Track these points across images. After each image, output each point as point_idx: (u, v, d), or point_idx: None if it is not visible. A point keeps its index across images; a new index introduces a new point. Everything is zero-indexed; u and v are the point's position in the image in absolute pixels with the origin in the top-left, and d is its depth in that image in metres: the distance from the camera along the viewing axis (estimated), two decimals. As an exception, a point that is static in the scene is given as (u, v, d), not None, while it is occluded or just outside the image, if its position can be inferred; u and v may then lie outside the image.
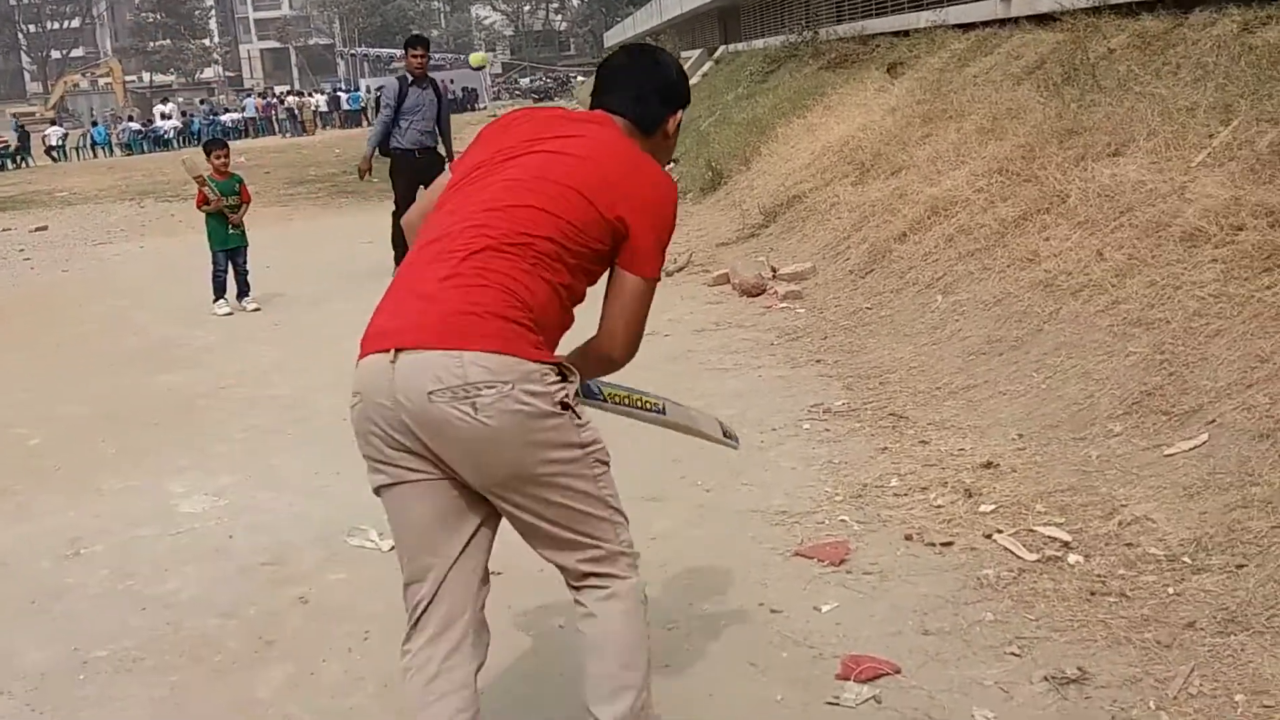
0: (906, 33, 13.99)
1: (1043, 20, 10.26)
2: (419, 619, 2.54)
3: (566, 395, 2.41)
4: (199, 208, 9.43)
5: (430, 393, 2.31)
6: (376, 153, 10.37)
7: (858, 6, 17.73)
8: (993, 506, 4.10)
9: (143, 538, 4.61)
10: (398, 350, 2.35)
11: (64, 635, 3.81)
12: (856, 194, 9.10)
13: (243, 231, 9.47)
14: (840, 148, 10.56)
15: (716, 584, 3.82)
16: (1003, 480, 4.29)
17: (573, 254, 2.46)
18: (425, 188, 3.32)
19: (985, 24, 11.57)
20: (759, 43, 23.87)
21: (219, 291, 9.29)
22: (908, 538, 3.97)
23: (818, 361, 6.29)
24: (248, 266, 9.49)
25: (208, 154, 9.60)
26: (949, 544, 3.89)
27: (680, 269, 9.36)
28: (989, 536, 3.90)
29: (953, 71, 10.64)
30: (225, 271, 9.34)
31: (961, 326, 6.01)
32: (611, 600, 2.58)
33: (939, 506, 4.17)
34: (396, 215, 10.02)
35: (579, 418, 2.47)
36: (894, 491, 4.36)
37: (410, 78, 10.24)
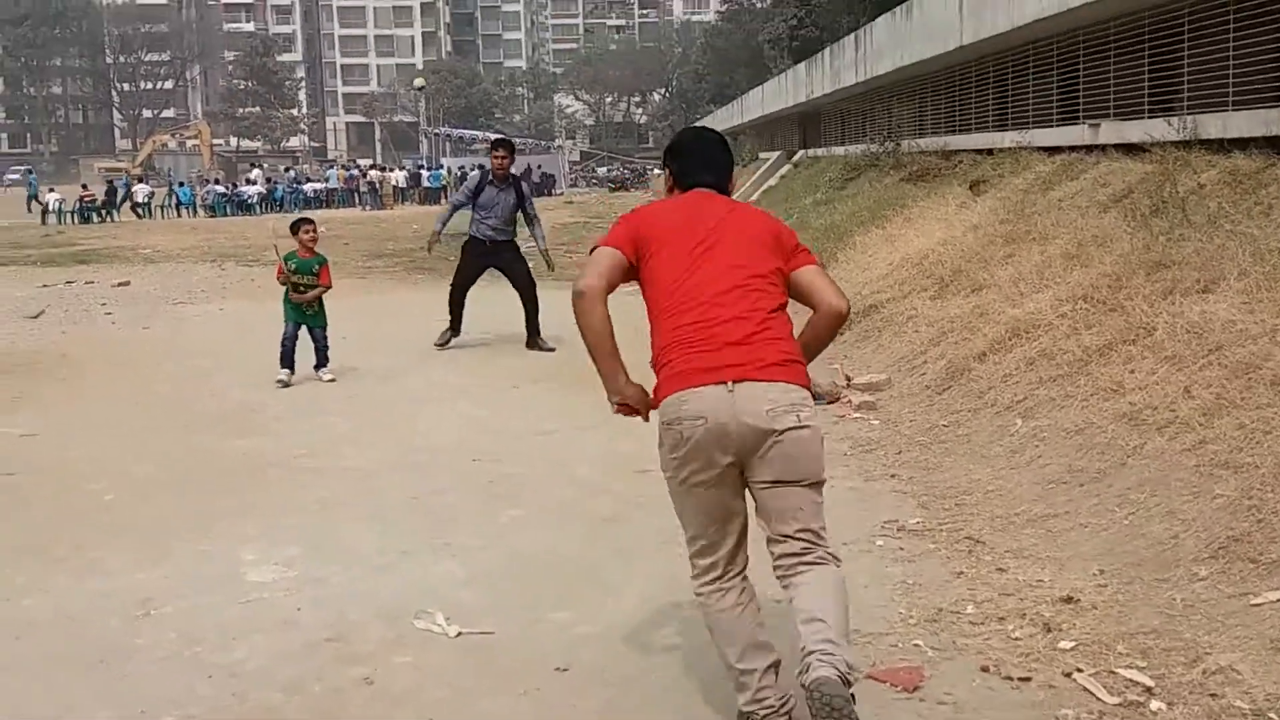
0: (990, 151, 14.07)
1: (1131, 150, 10.28)
2: (725, 568, 3.57)
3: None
4: (279, 279, 9.50)
5: (767, 410, 3.34)
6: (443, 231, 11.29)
7: (940, 122, 17.88)
8: (1072, 643, 4.00)
9: (211, 603, 4.63)
10: (735, 381, 3.36)
11: (132, 697, 3.82)
12: (935, 308, 9.08)
13: (317, 312, 9.45)
14: (920, 260, 10.57)
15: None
16: (1083, 616, 4.20)
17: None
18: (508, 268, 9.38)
19: (1071, 149, 11.61)
20: (839, 149, 24.09)
21: (284, 361, 9.24)
22: (984, 669, 3.88)
23: (892, 476, 6.23)
24: (326, 339, 9.46)
25: (295, 230, 9.63)
26: (1027, 679, 3.79)
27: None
28: (1068, 675, 3.80)
29: (1037, 193, 10.65)
30: (293, 342, 9.30)
31: (1041, 453, 5.94)
32: (822, 562, 3.51)
33: (1017, 639, 4.08)
34: (453, 287, 11.01)
35: None
36: (970, 619, 4.28)
37: (491, 176, 10.77)
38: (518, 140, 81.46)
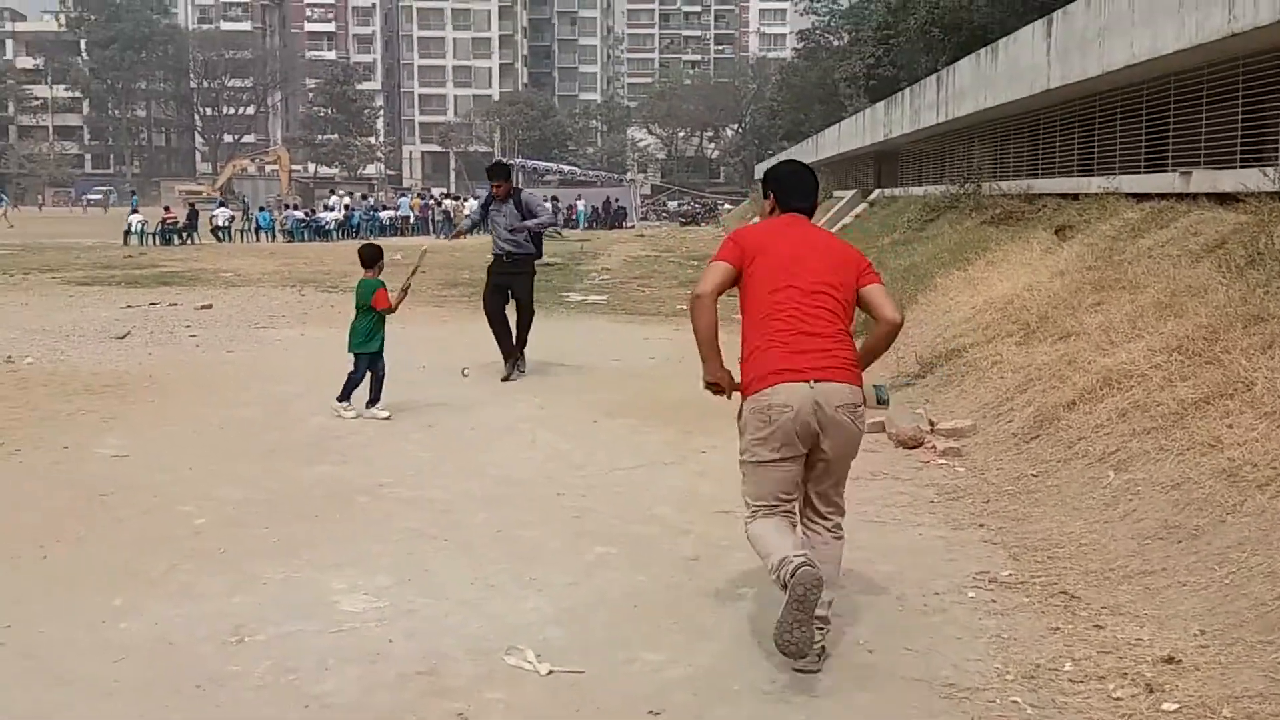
0: (1075, 196, 13.91)
1: (1224, 199, 10.12)
2: (770, 512, 4.45)
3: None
4: (386, 308, 9.30)
5: (838, 406, 4.36)
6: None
7: (1023, 164, 17.73)
8: (1176, 706, 3.91)
9: (304, 631, 4.66)
10: (817, 381, 4.34)
11: (227, 724, 3.85)
12: (1021, 355, 8.97)
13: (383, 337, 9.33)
14: (1004, 305, 10.46)
15: (884, 754, 3.70)
16: (1186, 678, 4.10)
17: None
18: (515, 288, 11.24)
19: (1161, 196, 11.45)
20: (917, 189, 23.97)
21: (346, 394, 9.10)
22: (1085, 729, 3.81)
23: (980, 526, 6.15)
24: (384, 372, 9.27)
25: (372, 262, 9.57)
26: (1130, 741, 3.72)
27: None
28: (1173, 738, 3.72)
29: (1126, 241, 10.51)
30: (363, 377, 9.14)
31: (1136, 507, 5.83)
32: (834, 536, 4.62)
33: (1118, 699, 3.99)
34: (488, 316, 11.50)
35: None
36: (1069, 677, 4.20)
37: (493, 197, 11.55)
38: (591, 173, 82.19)
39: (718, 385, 4.66)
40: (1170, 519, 5.54)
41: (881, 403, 5.12)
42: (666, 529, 6.20)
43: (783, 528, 4.44)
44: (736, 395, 4.64)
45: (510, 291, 11.51)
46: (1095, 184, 13.66)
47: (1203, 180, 10.92)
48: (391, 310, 9.28)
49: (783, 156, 56.66)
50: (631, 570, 5.48)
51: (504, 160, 13.42)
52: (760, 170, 69.53)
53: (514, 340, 11.39)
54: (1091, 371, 7.62)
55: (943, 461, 7.53)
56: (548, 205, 12.06)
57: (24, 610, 4.89)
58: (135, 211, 43.49)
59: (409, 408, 9.37)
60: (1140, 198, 11.94)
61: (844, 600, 4.97)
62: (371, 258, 9.56)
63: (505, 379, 11.03)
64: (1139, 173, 12.95)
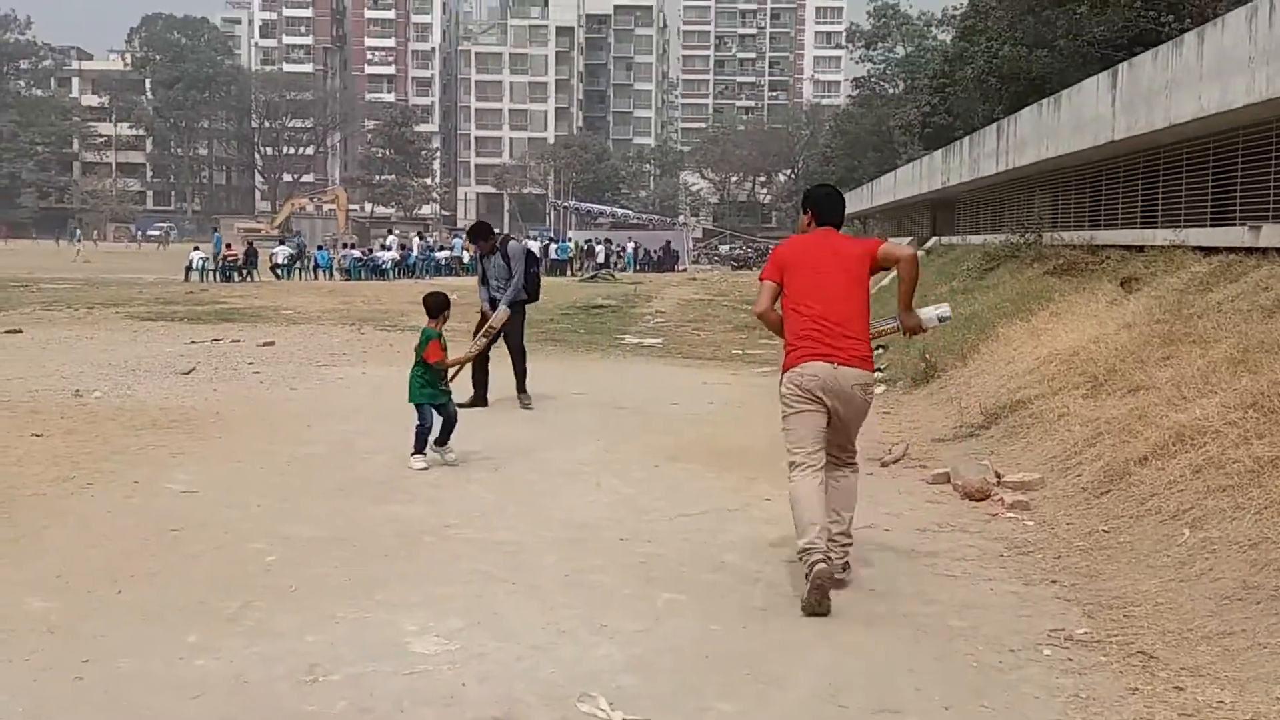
0: (1140, 248, 13.81)
1: (1295, 254, 10.02)
2: (805, 462, 5.97)
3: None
4: (440, 365, 8.98)
5: (853, 385, 5.96)
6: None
7: (1085, 215, 17.64)
8: (1264, 772, 3.84)
9: (378, 672, 4.67)
10: (838, 364, 5.93)
11: (307, 765, 3.87)
12: (1089, 408, 8.89)
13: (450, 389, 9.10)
14: (1069, 357, 10.38)
15: (966, 813, 3.65)
16: (1272, 743, 4.03)
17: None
18: (506, 338, 12.02)
19: (1230, 250, 11.34)
20: (975, 238, 23.88)
21: (420, 445, 8.81)
22: (1171, 793, 3.74)
23: (1053, 581, 6.07)
24: (455, 416, 9.03)
25: (437, 311, 9.19)
26: (1218, 807, 3.65)
27: (896, 460, 9.25)
28: (1262, 805, 3.65)
29: (1194, 294, 10.42)
30: (429, 424, 8.84)
31: (1212, 566, 5.74)
32: (852, 472, 6.28)
33: (1204, 763, 3.93)
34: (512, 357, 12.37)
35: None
36: (1152, 739, 4.13)
37: (480, 255, 12.61)
38: (644, 216, 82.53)
39: None
40: (1249, 579, 5.46)
41: (943, 320, 7.64)
42: (735, 577, 6.18)
43: (813, 497, 5.86)
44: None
45: (505, 337, 12.08)
46: (1160, 236, 13.56)
47: (1273, 235, 10.81)
48: (441, 367, 8.98)
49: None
50: (702, 618, 5.46)
51: (485, 221, 13.99)
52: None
53: (516, 380, 12.29)
54: (1163, 426, 7.53)
55: (1011, 515, 7.46)
56: (523, 257, 12.51)
57: (101, 645, 4.94)
58: (229, 247, 44.19)
59: (472, 449, 9.40)
60: (1207, 251, 11.84)
61: (919, 656, 4.97)
62: (435, 307, 9.18)
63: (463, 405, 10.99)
64: (1205, 226, 12.85)
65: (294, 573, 6.05)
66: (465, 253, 53.09)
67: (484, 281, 12.54)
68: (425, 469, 8.68)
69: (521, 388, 12.31)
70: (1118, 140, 14.41)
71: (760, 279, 6.37)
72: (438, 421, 8.94)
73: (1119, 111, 14.19)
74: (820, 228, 6.33)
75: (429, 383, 8.89)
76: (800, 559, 5.68)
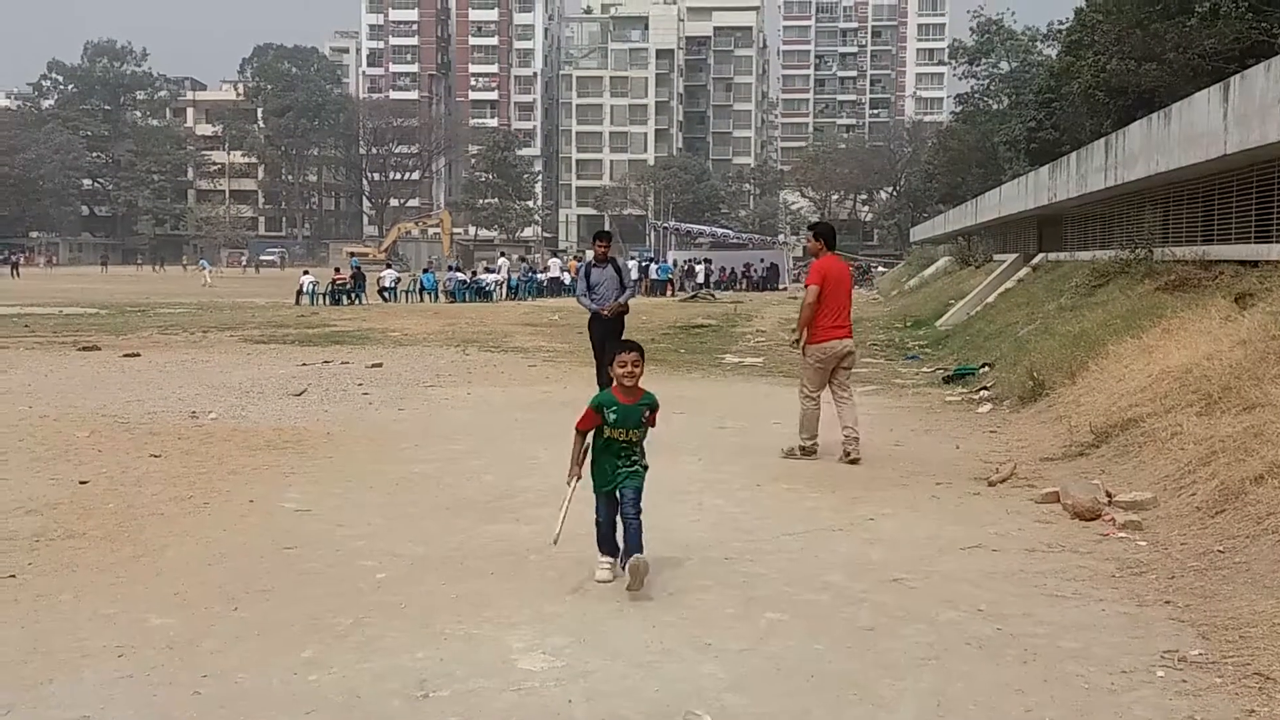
0: (1255, 263, 13.47)
1: None
2: (815, 396, 10.55)
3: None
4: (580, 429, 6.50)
5: (851, 351, 10.75)
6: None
7: (1196, 230, 17.24)
8: (1390, 800, 3.73)
9: (487, 689, 4.75)
10: (846, 339, 10.62)
11: (418, 778, 3.94)
12: (1203, 426, 8.68)
13: (641, 467, 6.50)
14: (1182, 375, 10.14)
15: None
16: (1399, 771, 3.91)
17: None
18: (612, 333, 12.73)
19: (1350, 263, 11.00)
20: (1083, 254, 23.46)
21: (602, 545, 6.49)
22: (1293, 820, 3.65)
23: (1166, 603, 5.94)
24: (640, 514, 6.38)
25: (610, 361, 6.60)
26: (1342, 836, 3.55)
27: (1004, 480, 9.13)
28: (1389, 835, 3.54)
29: (1313, 309, 10.12)
30: (608, 521, 6.51)
31: (1334, 587, 5.58)
32: (852, 396, 10.73)
33: (1326, 790, 3.82)
34: (595, 348, 13.33)
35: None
36: (1271, 764, 4.03)
37: (595, 260, 13.35)
38: (744, 235, 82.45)
39: (798, 340, 10.75)
40: (1374, 602, 5.29)
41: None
42: (839, 597, 6.15)
43: (816, 417, 10.49)
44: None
45: (606, 344, 12.61)
46: (1276, 251, 13.20)
47: (1395, 247, 10.47)
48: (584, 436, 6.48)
49: (939, 219, 56.14)
50: (806, 638, 5.45)
51: (606, 229, 15.35)
52: (916, 233, 68.91)
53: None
54: (1280, 445, 7.33)
55: (1123, 535, 7.32)
56: (634, 273, 13.69)
57: (219, 661, 5.09)
58: (338, 272, 45.28)
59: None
60: (1326, 265, 11.50)
61: (1029, 677, 4.93)
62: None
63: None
64: (1324, 239, 12.48)
65: (404, 590, 6.16)
66: (566, 274, 53.65)
67: (588, 291, 13.26)
68: (609, 580, 6.35)
69: None
70: (1230, 154, 14.04)
71: (810, 284, 10.55)
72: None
73: (1231, 125, 13.85)
74: (830, 253, 10.60)
75: (601, 465, 6.48)
76: (800, 441, 10.45)
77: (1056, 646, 5.32)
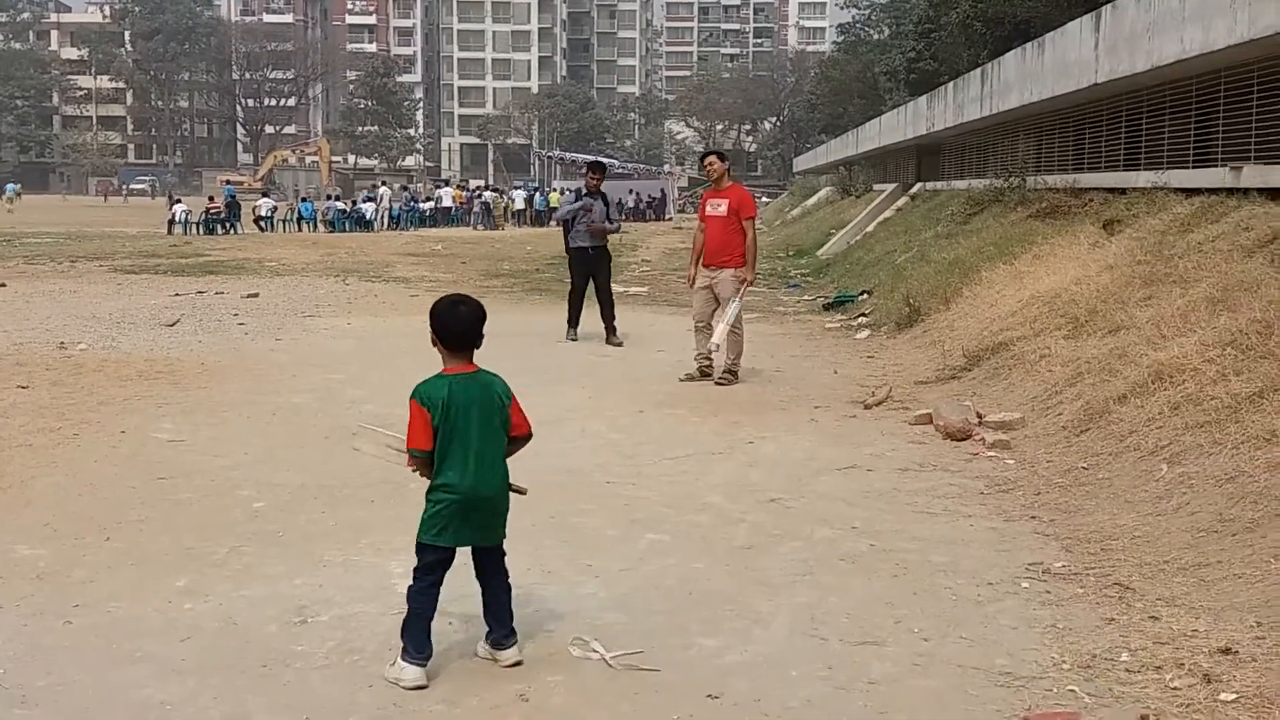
0: (1122, 190, 13.84)
1: (1275, 195, 10.07)
2: (699, 323, 10.84)
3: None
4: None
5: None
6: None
7: (1068, 158, 17.65)
8: (1234, 695, 3.92)
9: (366, 613, 4.74)
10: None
11: (296, 704, 3.94)
12: (1070, 348, 8.95)
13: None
14: (1051, 299, 10.43)
15: (943, 740, 3.73)
16: (1243, 669, 4.11)
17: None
18: (594, 279, 13.46)
19: (1211, 191, 11.38)
20: (960, 183, 23.87)
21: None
22: (1144, 718, 3.82)
23: (1032, 518, 6.15)
24: (508, 592, 4.44)
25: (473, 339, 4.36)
26: (1190, 731, 3.73)
27: (879, 403, 9.32)
28: (1232, 728, 3.73)
29: (1175, 235, 10.46)
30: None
31: (1189, 500, 5.83)
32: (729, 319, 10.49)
33: (1176, 689, 4.01)
34: (571, 294, 13.63)
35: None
36: (1126, 667, 4.21)
37: (585, 191, 13.47)
38: (629, 165, 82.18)
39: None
40: (1225, 512, 5.54)
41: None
42: (718, 517, 6.24)
43: (702, 334, 10.78)
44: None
45: (592, 277, 13.32)
46: (1143, 178, 13.58)
47: (1253, 175, 10.84)
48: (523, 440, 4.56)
49: (821, 149, 56.54)
50: (685, 558, 5.53)
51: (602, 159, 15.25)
52: (799, 164, 69.37)
53: (604, 319, 13.25)
54: (1142, 365, 7.59)
55: (992, 454, 7.54)
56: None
57: (91, 591, 5.00)
58: (212, 200, 43.98)
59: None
60: (1189, 193, 11.87)
61: (900, 591, 5.09)
62: (471, 329, 4.34)
63: (572, 340, 13.35)
64: (1187, 168, 12.86)
65: (281, 519, 6.11)
66: (454, 204, 53.02)
67: (572, 226, 13.36)
68: (420, 688, 4.10)
69: (613, 328, 13.27)
70: (1101, 83, 14.37)
71: (754, 215, 11.00)
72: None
73: (1102, 55, 14.15)
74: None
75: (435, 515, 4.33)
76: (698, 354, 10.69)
77: (926, 561, 5.48)
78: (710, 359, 10.61)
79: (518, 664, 4.25)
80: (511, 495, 4.43)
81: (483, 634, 4.41)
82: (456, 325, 4.30)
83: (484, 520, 4.30)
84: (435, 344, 4.33)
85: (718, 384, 10.36)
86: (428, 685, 4.09)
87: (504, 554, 4.41)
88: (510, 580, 4.39)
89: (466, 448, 4.21)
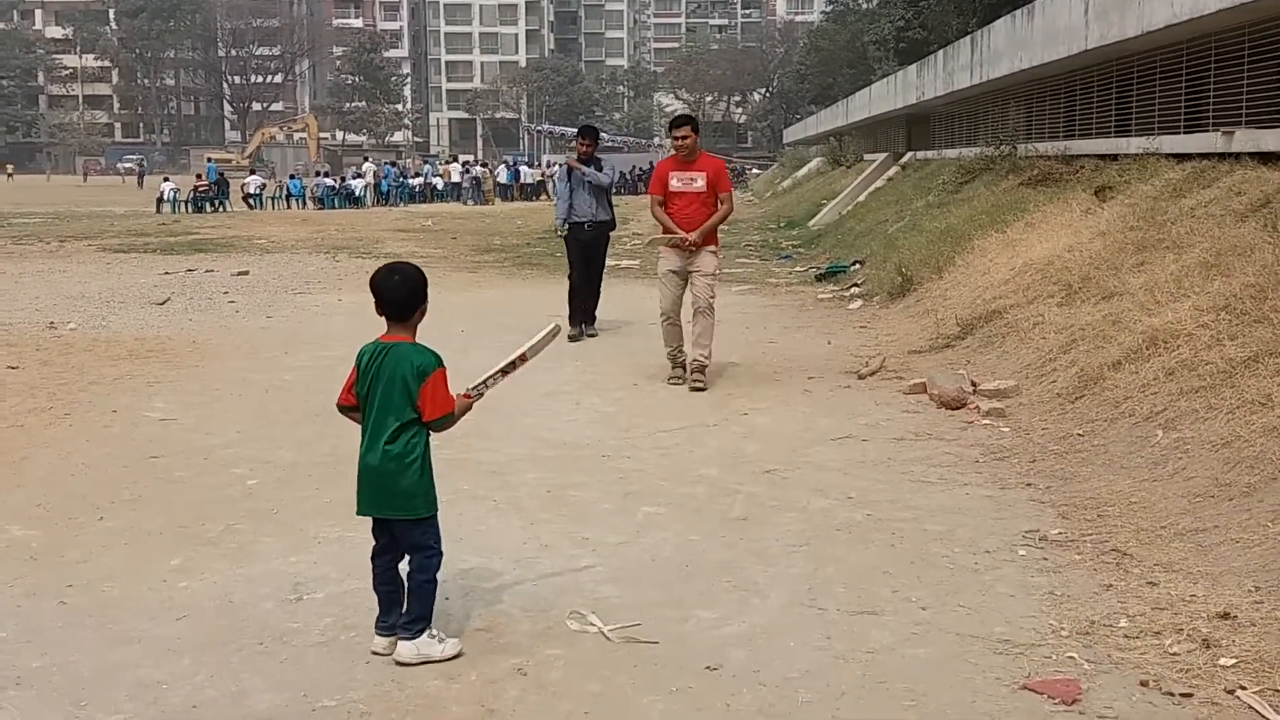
0: (1114, 157, 13.80)
1: (1267, 159, 10.04)
2: (669, 317, 9.18)
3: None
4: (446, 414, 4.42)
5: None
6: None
7: (1060, 125, 17.59)
8: (1233, 660, 3.92)
9: (362, 589, 4.69)
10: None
11: (293, 681, 3.92)
12: (1063, 315, 8.93)
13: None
14: (1044, 266, 10.40)
15: (944, 712, 3.72)
16: (1242, 633, 4.11)
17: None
18: (593, 256, 11.81)
19: (1203, 156, 11.34)
20: (950, 152, 23.81)
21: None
22: (1143, 684, 3.82)
23: (1028, 485, 6.15)
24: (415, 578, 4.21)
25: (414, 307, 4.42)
26: (1188, 695, 3.73)
27: (873, 373, 9.30)
28: (1231, 692, 3.73)
29: (1167, 201, 10.43)
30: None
31: (1185, 465, 5.82)
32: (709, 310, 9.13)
33: (1175, 654, 4.01)
34: (571, 278, 11.93)
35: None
36: (1124, 633, 4.21)
37: (579, 158, 11.78)
38: (618, 138, 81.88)
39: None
40: (1221, 477, 5.54)
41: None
42: (713, 489, 6.23)
43: (673, 332, 9.25)
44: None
45: (589, 259, 11.87)
46: (1134, 144, 13.55)
47: (1245, 140, 10.80)
48: (450, 421, 4.46)
49: (811, 120, 56.35)
50: (681, 530, 5.52)
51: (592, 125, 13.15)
52: (789, 135, 69.14)
53: (584, 306, 11.84)
54: (1136, 331, 7.58)
55: (987, 422, 7.53)
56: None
57: (85, 570, 4.98)
58: (200, 178, 43.75)
59: (453, 371, 9.37)
60: (1181, 158, 11.83)
61: (897, 560, 5.09)
62: (411, 298, 4.38)
63: (573, 339, 11.45)
64: (1179, 133, 12.82)
65: (276, 496, 6.08)
66: (439, 179, 52.79)
67: (570, 196, 11.73)
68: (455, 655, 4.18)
69: (593, 315, 12.04)
70: (1091, 49, 14.30)
71: (731, 189, 9.65)
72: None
73: (1092, 20, 14.08)
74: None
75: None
76: (668, 352, 9.36)
77: (923, 530, 5.47)
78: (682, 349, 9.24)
79: (403, 665, 4.02)
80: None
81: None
82: (385, 294, 4.34)
83: (373, 491, 4.24)
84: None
85: (694, 390, 8.91)
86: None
87: (421, 536, 4.21)
88: (426, 577, 4.18)
89: (368, 416, 4.30)
